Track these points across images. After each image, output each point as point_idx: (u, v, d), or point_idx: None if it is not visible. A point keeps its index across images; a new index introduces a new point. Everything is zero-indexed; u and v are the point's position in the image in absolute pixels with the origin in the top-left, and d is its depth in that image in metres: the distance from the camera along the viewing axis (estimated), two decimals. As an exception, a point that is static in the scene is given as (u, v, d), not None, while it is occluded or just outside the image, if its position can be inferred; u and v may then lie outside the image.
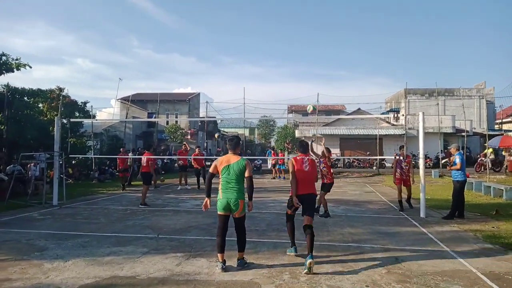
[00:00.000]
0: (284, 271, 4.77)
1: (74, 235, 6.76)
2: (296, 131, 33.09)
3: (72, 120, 17.39)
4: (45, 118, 18.57)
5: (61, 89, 20.93)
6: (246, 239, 5.04)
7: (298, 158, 5.43)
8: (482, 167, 21.14)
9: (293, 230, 5.60)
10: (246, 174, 4.87)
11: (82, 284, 4.31)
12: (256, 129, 69.49)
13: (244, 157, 5.08)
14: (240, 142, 5.37)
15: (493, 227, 7.42)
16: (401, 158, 9.73)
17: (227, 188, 4.85)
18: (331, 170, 9.03)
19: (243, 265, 4.88)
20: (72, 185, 14.90)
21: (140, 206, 10.10)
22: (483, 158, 20.54)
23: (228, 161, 4.92)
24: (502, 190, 11.44)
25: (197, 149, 15.10)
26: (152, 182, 15.47)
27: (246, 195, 4.93)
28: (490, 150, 20.89)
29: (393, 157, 10.93)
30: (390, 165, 28.33)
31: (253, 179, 5.06)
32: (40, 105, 19.53)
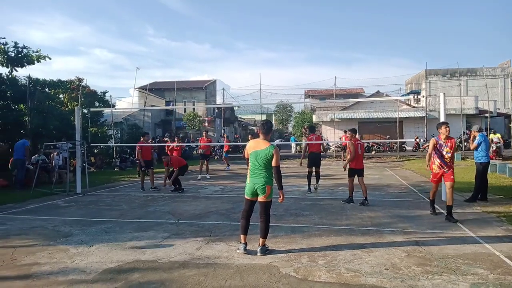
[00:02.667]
0: (302, 255, 4.80)
1: (97, 221, 6.96)
2: (314, 116, 32.83)
3: (92, 109, 17.81)
4: (66, 109, 19.04)
5: (80, 80, 21.35)
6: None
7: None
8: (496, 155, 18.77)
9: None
10: (273, 164, 4.75)
11: (106, 268, 4.45)
12: (273, 115, 69.38)
13: (273, 144, 4.93)
14: (272, 127, 5.22)
15: (517, 210, 7.23)
16: (441, 141, 6.76)
17: (254, 173, 4.83)
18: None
19: (264, 252, 4.82)
20: (94, 173, 15.30)
21: (151, 189, 10.70)
22: (493, 145, 17.82)
23: (256, 146, 4.85)
24: (528, 171, 11.11)
25: (204, 133, 15.00)
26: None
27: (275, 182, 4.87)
28: (492, 135, 18.97)
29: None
30: (411, 148, 27.98)
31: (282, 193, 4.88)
32: (61, 96, 20.01)
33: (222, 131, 37.36)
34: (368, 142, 27.68)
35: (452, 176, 6.59)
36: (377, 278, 3.98)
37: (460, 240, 5.33)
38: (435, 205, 7.26)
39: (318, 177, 10.28)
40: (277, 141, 25.95)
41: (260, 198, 4.83)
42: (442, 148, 6.69)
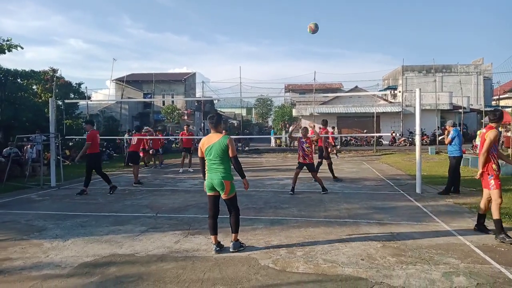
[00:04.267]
0: (281, 246, 4.84)
1: (73, 215, 6.80)
2: (294, 110, 33.02)
3: (66, 101, 17.32)
4: (40, 100, 18.44)
5: (54, 70, 20.71)
6: (244, 217, 5.04)
7: None
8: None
9: None
10: (230, 154, 4.60)
11: (82, 262, 4.36)
12: (253, 108, 69.30)
13: (226, 135, 4.79)
14: (222, 119, 5.07)
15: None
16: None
17: (211, 168, 4.63)
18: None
19: (237, 247, 4.70)
20: (69, 166, 14.91)
21: (134, 185, 10.30)
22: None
23: (209, 141, 4.66)
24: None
25: (185, 127, 14.70)
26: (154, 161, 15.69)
27: (236, 175, 4.72)
28: (479, 132, 19.61)
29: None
30: (388, 142, 28.58)
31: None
32: (34, 87, 19.36)
33: (202, 124, 37.11)
34: (346, 136, 28.12)
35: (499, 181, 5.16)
36: (353, 268, 4.07)
37: (433, 231, 5.50)
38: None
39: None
40: (291, 128, 26.03)
41: (223, 196, 4.68)
42: (497, 144, 5.28)
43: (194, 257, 4.51)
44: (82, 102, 21.44)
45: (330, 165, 11.05)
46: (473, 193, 8.51)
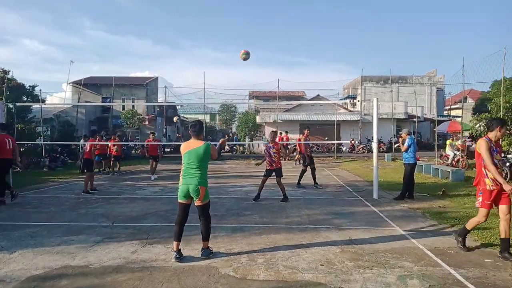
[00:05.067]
0: (242, 254, 4.80)
1: (22, 225, 6.40)
2: (257, 117, 33.20)
3: (18, 104, 16.41)
4: (-12, 103, 17.27)
5: (5, 72, 19.59)
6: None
7: None
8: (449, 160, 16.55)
9: None
10: (213, 158, 4.81)
11: (30, 276, 4.09)
12: (217, 115, 68.94)
13: (208, 142, 4.82)
14: (203, 127, 5.17)
15: (439, 206, 7.89)
16: (492, 144, 4.79)
17: (188, 174, 4.64)
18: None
19: (207, 255, 4.67)
20: (20, 173, 14.06)
21: (82, 193, 9.79)
22: (456, 153, 15.95)
23: (188, 146, 4.72)
24: (449, 172, 12.20)
25: (151, 135, 14.38)
26: (111, 168, 15.10)
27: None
28: (449, 141, 17.62)
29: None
30: (347, 149, 29.43)
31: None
32: (-18, 88, 18.15)
33: (164, 130, 36.39)
34: (308, 143, 28.61)
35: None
36: (313, 274, 4.11)
37: (389, 236, 5.68)
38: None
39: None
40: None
41: (196, 202, 4.64)
42: (494, 154, 4.76)
43: (152, 267, 4.37)
44: (35, 106, 20.39)
45: (313, 170, 11.10)
46: (426, 198, 8.92)
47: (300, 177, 11.06)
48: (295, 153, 17.12)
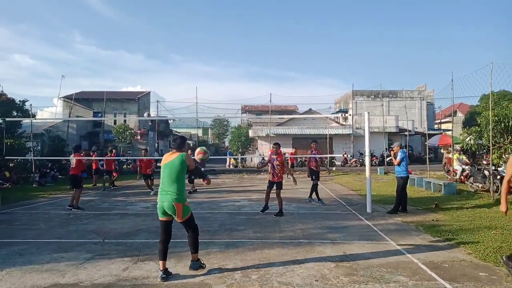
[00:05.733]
0: (236, 270, 4.73)
1: (10, 242, 6.24)
2: (250, 131, 33.26)
3: (8, 119, 16.22)
4: (-23, 118, 17.05)
5: (-5, 86, 19.39)
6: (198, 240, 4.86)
7: None
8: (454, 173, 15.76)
9: None
10: (190, 168, 4.56)
11: (17, 295, 3.98)
12: (209, 129, 68.94)
13: (183, 153, 4.61)
14: (186, 142, 5.01)
15: (433, 220, 7.90)
16: None
17: (162, 190, 4.49)
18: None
19: (196, 267, 4.62)
20: (9, 189, 13.82)
21: (68, 207, 9.62)
22: (464, 167, 14.79)
23: (165, 159, 4.56)
24: (441, 185, 12.24)
25: (143, 152, 13.99)
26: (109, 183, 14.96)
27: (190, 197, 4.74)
28: (456, 156, 16.26)
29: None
30: (340, 163, 29.50)
31: (208, 180, 4.90)
32: (-29, 103, 17.95)
33: (156, 144, 36.20)
34: (301, 157, 28.66)
35: None
36: (308, 290, 4.05)
37: (383, 250, 5.65)
38: None
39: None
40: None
41: (177, 219, 4.51)
42: None
43: (143, 285, 4.27)
44: (25, 121, 20.15)
45: (315, 186, 10.60)
46: (419, 212, 8.93)
47: (316, 192, 10.56)
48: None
